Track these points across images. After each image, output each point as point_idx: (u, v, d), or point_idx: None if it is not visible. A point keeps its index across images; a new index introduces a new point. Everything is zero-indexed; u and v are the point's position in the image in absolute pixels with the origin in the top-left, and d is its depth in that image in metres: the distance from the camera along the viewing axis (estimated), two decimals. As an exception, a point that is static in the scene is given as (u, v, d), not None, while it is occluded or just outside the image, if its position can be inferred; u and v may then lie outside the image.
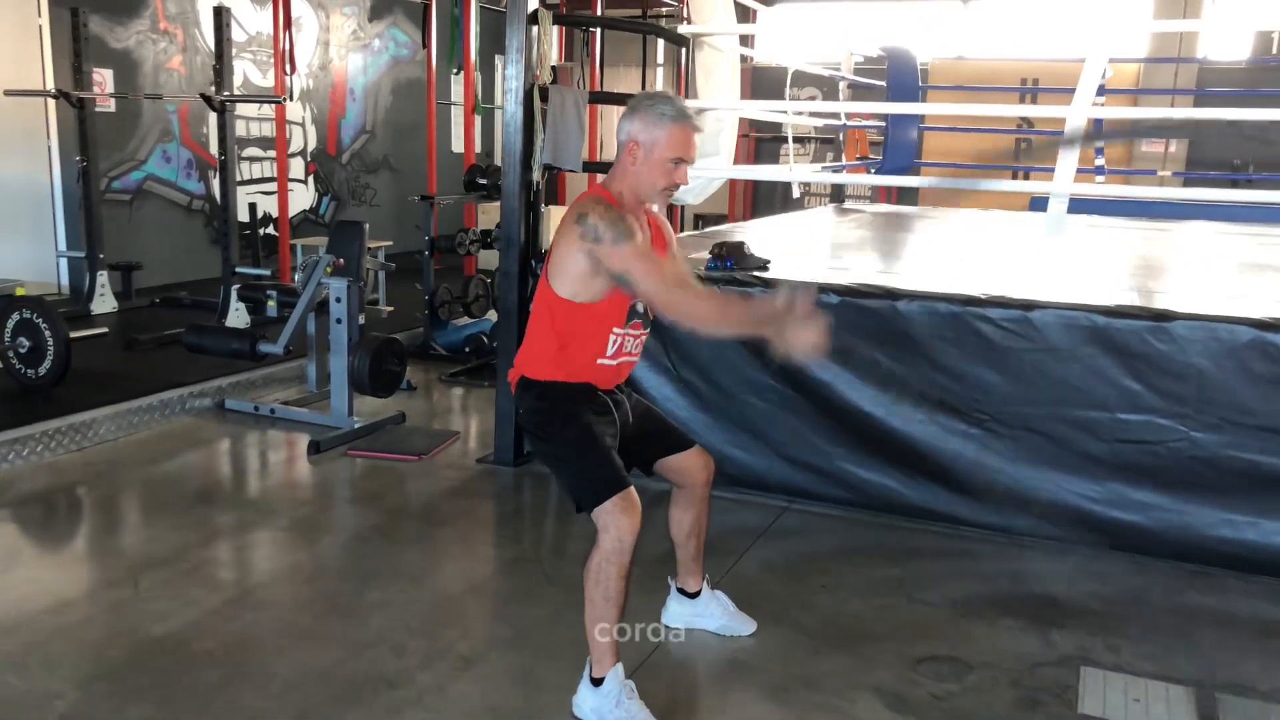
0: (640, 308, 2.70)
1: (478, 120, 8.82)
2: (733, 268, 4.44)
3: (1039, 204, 9.77)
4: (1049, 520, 3.81)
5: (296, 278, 5.90)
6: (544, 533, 3.97)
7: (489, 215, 8.01)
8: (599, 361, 2.70)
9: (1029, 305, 3.78)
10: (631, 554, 2.53)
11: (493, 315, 7.22)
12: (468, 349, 6.65)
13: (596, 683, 2.57)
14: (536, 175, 4.45)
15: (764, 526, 3.90)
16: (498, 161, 7.41)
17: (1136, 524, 3.71)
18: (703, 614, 3.09)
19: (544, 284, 2.68)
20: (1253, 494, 3.58)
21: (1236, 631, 3.26)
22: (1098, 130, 4.27)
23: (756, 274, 4.29)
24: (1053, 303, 3.78)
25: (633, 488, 2.56)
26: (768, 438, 4.19)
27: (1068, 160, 4.74)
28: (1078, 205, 9.62)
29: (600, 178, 2.75)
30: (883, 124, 9.02)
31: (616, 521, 2.51)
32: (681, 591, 3.10)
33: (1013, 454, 3.85)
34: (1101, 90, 10.07)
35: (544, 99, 4.42)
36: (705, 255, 4.54)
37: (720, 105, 5.28)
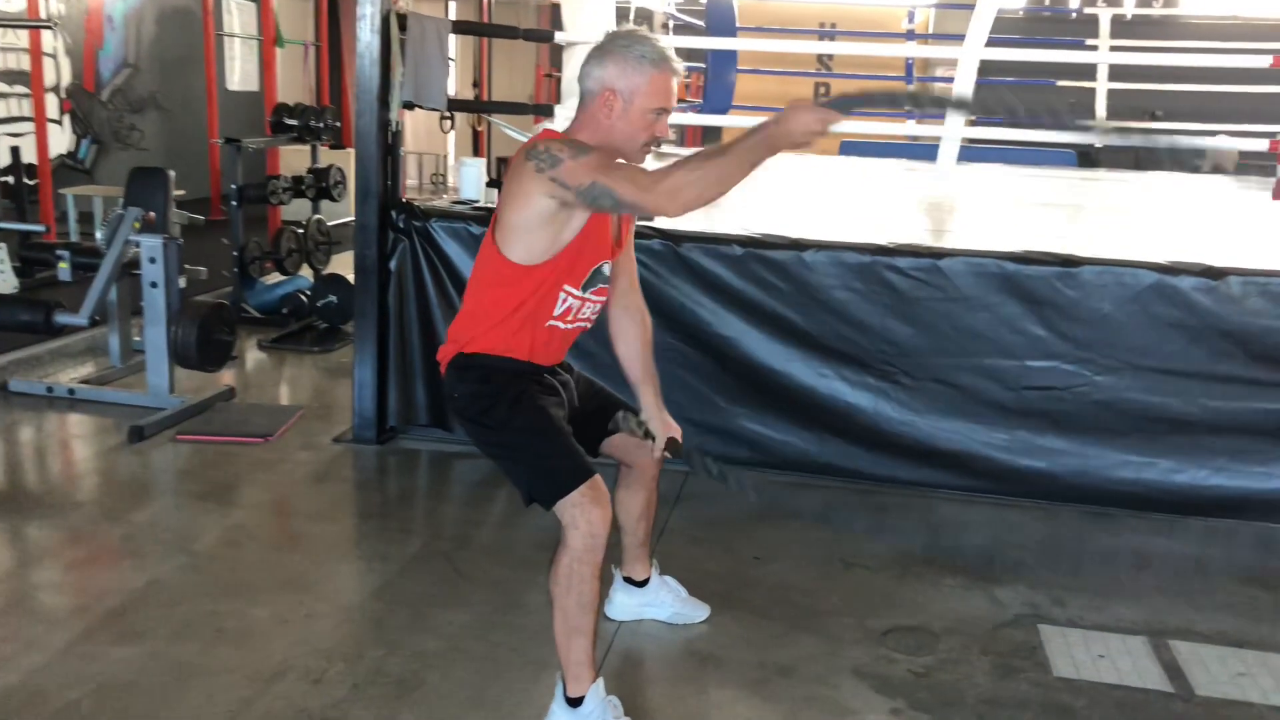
0: (606, 269, 2.35)
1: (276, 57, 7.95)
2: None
3: (849, 148, 9.98)
4: (956, 470, 3.77)
5: (98, 236, 5.05)
6: (440, 520, 3.53)
7: (298, 160, 7.25)
8: (551, 328, 2.34)
9: (939, 254, 3.68)
10: (604, 549, 2.20)
11: (307, 272, 6.56)
12: (285, 310, 5.98)
13: (574, 703, 2.24)
14: (395, 115, 3.93)
15: (673, 495, 3.64)
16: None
17: (1042, 470, 3.72)
18: (653, 603, 2.80)
19: (490, 251, 2.28)
20: (1150, 435, 3.64)
21: (1159, 572, 3.31)
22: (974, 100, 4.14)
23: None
24: (963, 250, 3.69)
25: (599, 475, 2.23)
26: (668, 399, 3.87)
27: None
28: (850, 147, 9.93)
29: (548, 124, 2.37)
30: (703, 66, 8.86)
31: (587, 515, 2.17)
32: (629, 581, 2.80)
33: (921, 406, 3.76)
34: (911, 35, 10.37)
35: (402, 28, 3.89)
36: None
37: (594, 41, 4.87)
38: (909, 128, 9.08)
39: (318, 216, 6.75)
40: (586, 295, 2.33)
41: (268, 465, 3.85)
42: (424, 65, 3.94)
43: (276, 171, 7.12)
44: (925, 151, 8.98)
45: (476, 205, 4.16)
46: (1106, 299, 3.58)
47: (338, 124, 6.96)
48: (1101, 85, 8.84)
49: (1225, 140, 7.59)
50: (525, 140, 2.38)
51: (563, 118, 4.90)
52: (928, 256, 3.68)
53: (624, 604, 2.80)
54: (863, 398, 3.80)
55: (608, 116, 2.21)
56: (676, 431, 2.53)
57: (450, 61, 3.97)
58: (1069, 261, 3.61)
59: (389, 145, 3.96)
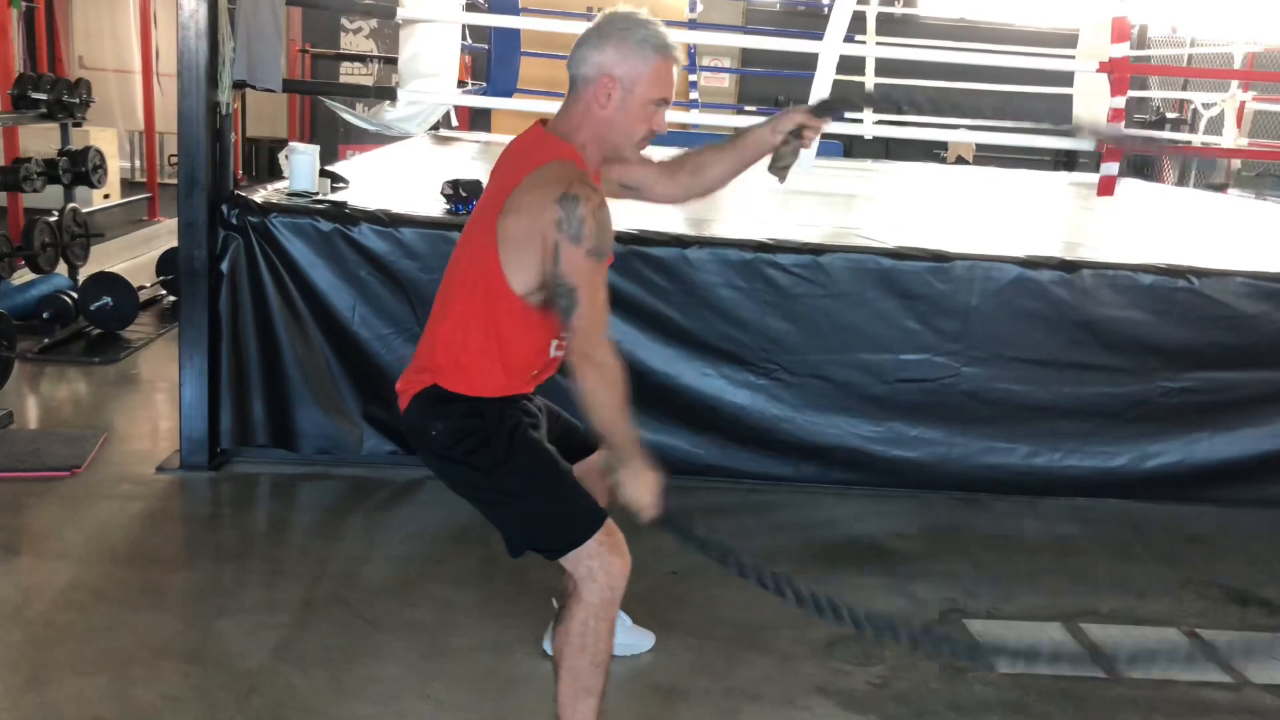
0: None
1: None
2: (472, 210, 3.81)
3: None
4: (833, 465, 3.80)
5: None
6: (318, 557, 3.10)
7: (45, 140, 6.29)
8: (535, 369, 2.09)
9: (820, 249, 3.67)
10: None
11: (63, 270, 5.74)
12: (45, 315, 5.18)
13: (584, 768, 2.01)
14: (225, 97, 3.43)
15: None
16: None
17: (914, 460, 3.81)
18: (597, 635, 2.59)
19: (487, 266, 1.98)
20: (1013, 422, 3.81)
21: (1043, 555, 3.46)
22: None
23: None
24: (843, 246, 3.70)
25: (611, 518, 2.01)
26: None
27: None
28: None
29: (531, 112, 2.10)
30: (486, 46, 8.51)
31: (606, 565, 1.95)
32: (572, 614, 2.57)
33: (801, 402, 3.75)
34: (694, 24, 10.45)
35: (233, -5, 3.40)
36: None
37: (440, 15, 4.48)
38: (691, 116, 9.18)
39: (72, 205, 5.91)
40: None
41: (84, 503, 3.28)
42: (257, 39, 3.47)
43: (16, 152, 6.15)
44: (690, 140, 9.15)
45: (320, 199, 3.72)
46: (974, 292, 3.70)
47: (92, 100, 6.09)
48: (870, 79, 9.27)
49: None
50: (533, 143, 2.06)
51: (405, 101, 4.52)
52: (809, 253, 3.66)
53: (566, 639, 2.57)
54: (745, 396, 3.74)
55: (604, 106, 1.98)
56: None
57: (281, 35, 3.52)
58: (940, 256, 3.70)
59: (218, 129, 3.46)
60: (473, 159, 6.60)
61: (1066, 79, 9.01)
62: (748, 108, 9.91)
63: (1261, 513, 3.89)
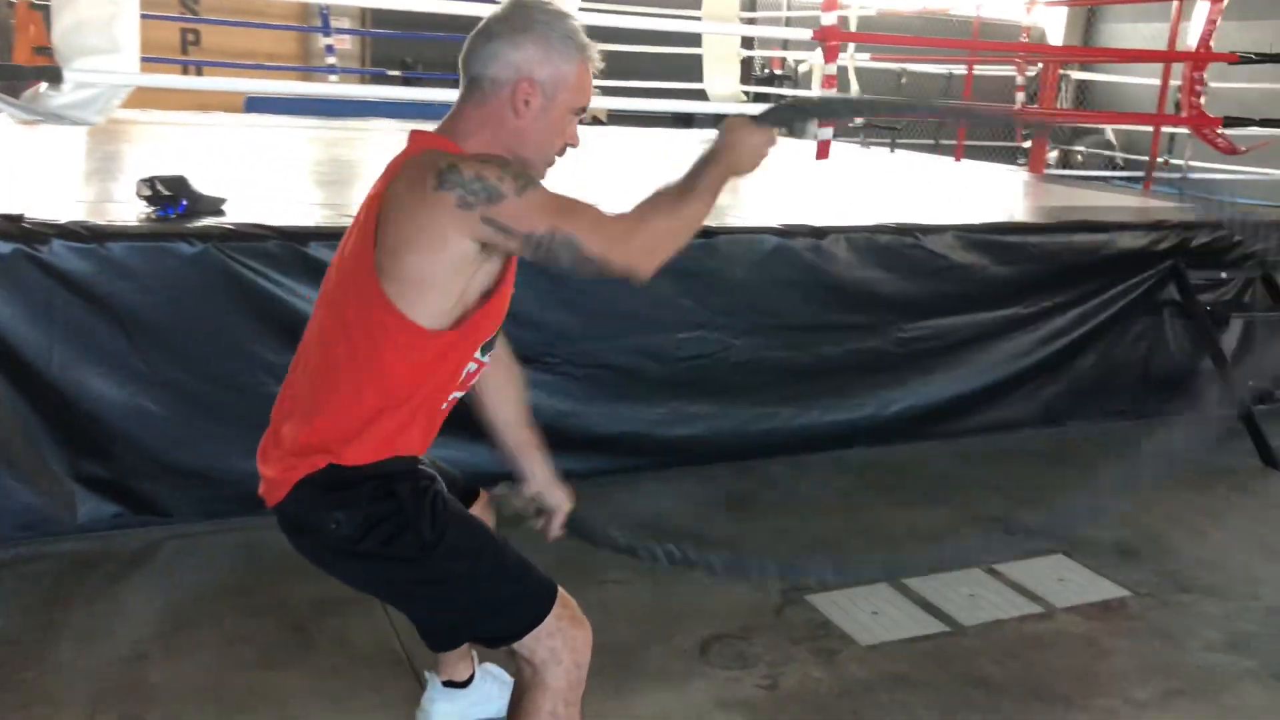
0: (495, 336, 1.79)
1: None
2: (185, 211, 3.22)
3: (255, 104, 9.08)
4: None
5: None
6: (52, 663, 2.46)
7: None
8: (446, 407, 1.75)
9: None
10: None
11: None
12: None
13: None
14: None
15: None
16: None
17: (696, 435, 3.79)
18: (479, 701, 2.29)
19: (372, 305, 1.60)
20: (779, 387, 3.90)
21: (834, 514, 3.57)
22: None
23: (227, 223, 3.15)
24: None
25: (559, 585, 1.75)
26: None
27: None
28: (257, 104, 9.20)
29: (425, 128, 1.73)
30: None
31: (569, 640, 1.69)
32: (450, 684, 2.25)
33: (587, 393, 3.59)
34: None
35: None
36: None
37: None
38: (332, 87, 8.51)
39: None
40: (485, 360, 1.78)
41: None
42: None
43: None
44: (334, 108, 8.53)
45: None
46: (739, 265, 3.72)
47: None
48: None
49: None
50: (405, 146, 1.70)
51: (75, 84, 3.69)
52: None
53: (447, 712, 2.25)
54: (534, 395, 3.49)
55: (520, 115, 1.66)
56: (570, 502, 2.07)
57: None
58: (705, 232, 3.66)
59: None
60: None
61: (695, 40, 9.43)
62: (393, 72, 9.33)
63: (980, 439, 4.31)
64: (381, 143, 6.92)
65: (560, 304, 3.46)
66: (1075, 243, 4.34)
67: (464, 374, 1.75)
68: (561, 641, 1.68)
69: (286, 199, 3.98)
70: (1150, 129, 6.65)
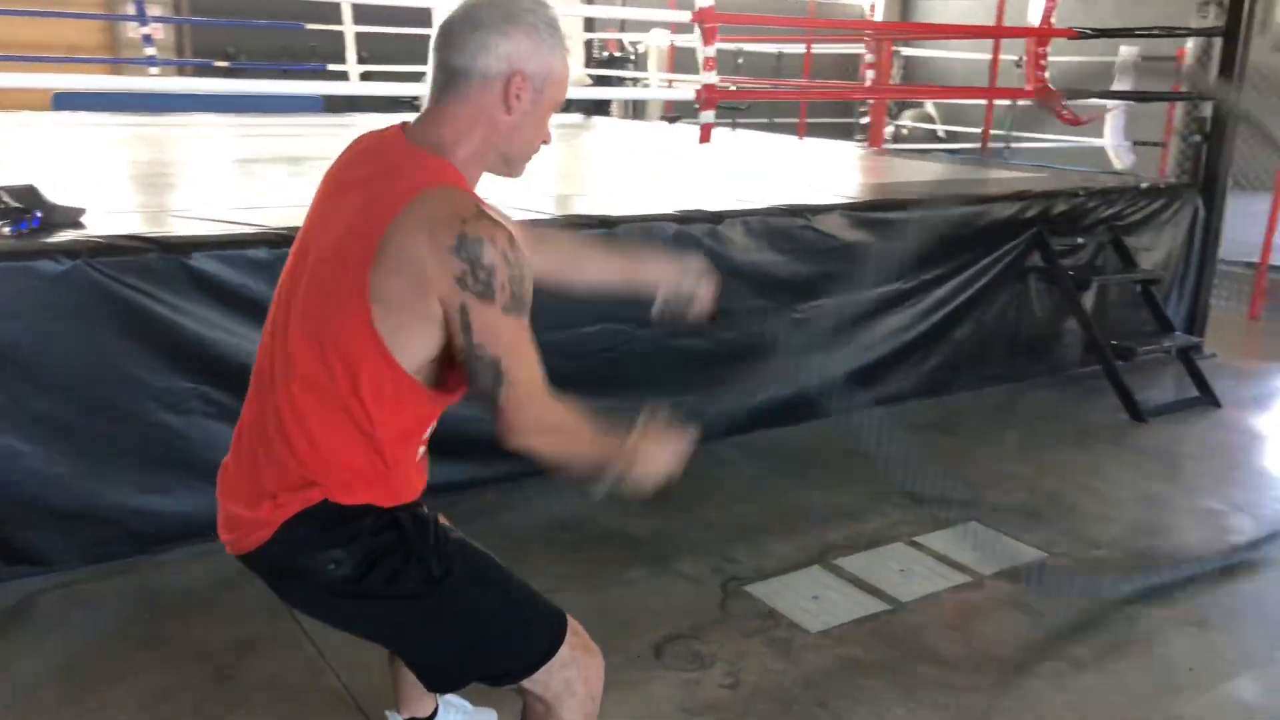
0: None
1: None
2: (40, 225, 2.90)
3: (64, 101, 8.40)
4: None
5: None
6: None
7: None
8: (417, 458, 1.62)
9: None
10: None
11: None
12: None
13: None
14: None
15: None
16: None
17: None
18: (446, 735, 2.16)
19: (358, 335, 1.46)
20: (680, 374, 3.85)
21: (753, 501, 3.55)
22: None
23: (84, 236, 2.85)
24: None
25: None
26: (203, 463, 2.95)
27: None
28: (66, 100, 8.54)
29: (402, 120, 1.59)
30: None
31: (583, 670, 1.60)
32: (413, 721, 2.10)
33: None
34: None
35: None
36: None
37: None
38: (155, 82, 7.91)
39: None
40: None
41: None
42: None
43: None
44: (153, 103, 7.99)
45: None
46: (640, 254, 3.64)
47: None
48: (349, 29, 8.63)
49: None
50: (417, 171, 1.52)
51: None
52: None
53: (414, 751, 2.11)
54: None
55: (510, 111, 1.53)
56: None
57: None
58: (606, 222, 3.58)
59: None
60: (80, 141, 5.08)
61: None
62: (220, 63, 8.77)
63: (871, 414, 4.38)
64: (218, 139, 6.53)
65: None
66: (952, 216, 4.46)
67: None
68: (576, 672, 1.58)
69: (150, 206, 3.66)
70: (974, 102, 6.96)
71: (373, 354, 1.46)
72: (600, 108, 11.05)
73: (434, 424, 1.64)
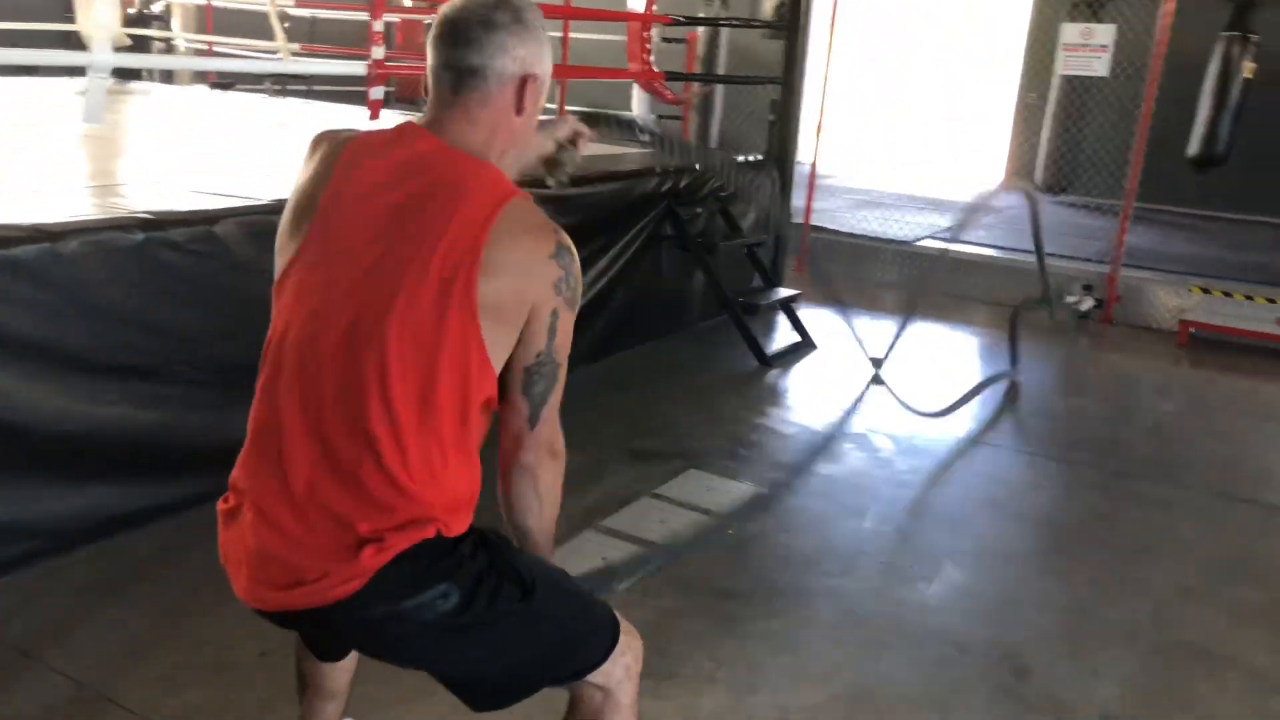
0: None
1: None
2: None
3: None
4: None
5: None
6: None
7: None
8: None
9: (213, 218, 3.03)
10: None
11: None
12: None
13: None
14: None
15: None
16: None
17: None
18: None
19: (465, 348, 1.40)
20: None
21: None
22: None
23: None
24: (237, 209, 3.10)
25: None
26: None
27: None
28: None
29: (415, 118, 1.47)
30: None
31: (635, 653, 1.65)
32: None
33: (221, 401, 3.12)
34: None
35: None
36: None
37: None
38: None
39: None
40: None
41: None
42: None
43: None
44: None
45: None
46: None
47: None
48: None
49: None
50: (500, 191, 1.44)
51: None
52: (202, 223, 2.99)
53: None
54: (159, 415, 2.96)
55: (521, 113, 1.52)
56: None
57: None
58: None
59: None
60: None
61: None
62: None
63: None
64: None
65: (178, 302, 2.96)
66: (607, 192, 4.76)
67: None
68: (631, 656, 1.62)
69: None
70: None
71: (477, 367, 1.41)
72: (133, 73, 9.88)
73: None
